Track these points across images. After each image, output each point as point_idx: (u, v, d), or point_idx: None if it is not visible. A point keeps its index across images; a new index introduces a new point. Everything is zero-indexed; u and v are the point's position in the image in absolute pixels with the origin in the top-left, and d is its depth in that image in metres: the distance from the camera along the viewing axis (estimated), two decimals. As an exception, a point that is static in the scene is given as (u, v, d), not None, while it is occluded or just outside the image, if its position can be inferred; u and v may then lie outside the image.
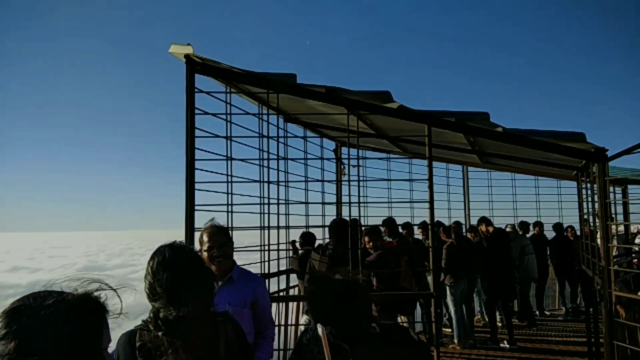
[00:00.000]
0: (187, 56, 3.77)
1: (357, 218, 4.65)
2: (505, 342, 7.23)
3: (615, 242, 6.32)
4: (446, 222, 8.70)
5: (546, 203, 10.06)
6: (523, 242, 8.70)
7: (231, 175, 4.32)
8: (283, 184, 5.03)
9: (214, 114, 4.17)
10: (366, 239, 5.37)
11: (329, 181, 6.43)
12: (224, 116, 4.29)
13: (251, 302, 3.05)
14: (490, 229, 8.01)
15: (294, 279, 6.22)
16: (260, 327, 3.14)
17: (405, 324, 5.55)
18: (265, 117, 4.68)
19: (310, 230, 6.26)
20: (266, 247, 4.66)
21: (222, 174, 4.26)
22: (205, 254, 3.00)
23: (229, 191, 4.31)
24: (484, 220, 8.30)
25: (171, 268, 1.84)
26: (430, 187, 4.29)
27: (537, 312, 9.39)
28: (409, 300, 5.45)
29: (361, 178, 4.99)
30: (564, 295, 9.73)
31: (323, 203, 6.03)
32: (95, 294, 1.20)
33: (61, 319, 1.09)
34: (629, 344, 4.03)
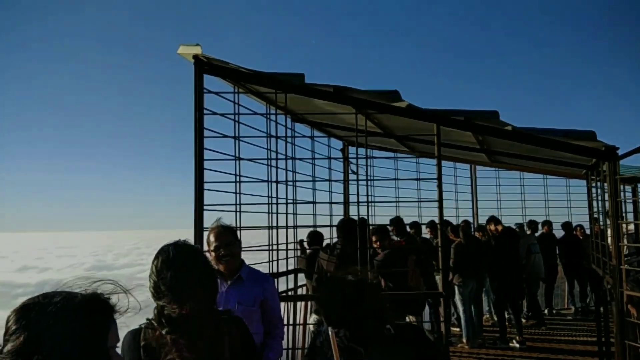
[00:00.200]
0: (195, 57, 3.77)
1: (365, 217, 4.65)
2: (514, 341, 7.20)
3: (625, 241, 6.27)
4: (454, 222, 8.67)
5: (555, 202, 10.01)
6: (529, 241, 8.66)
7: (239, 175, 4.32)
8: (291, 183, 5.03)
9: (222, 114, 4.17)
10: (373, 238, 5.36)
11: (336, 181, 6.43)
12: (231, 116, 4.30)
13: (260, 302, 3.06)
14: (500, 228, 7.98)
15: (301, 278, 6.22)
16: (270, 327, 3.14)
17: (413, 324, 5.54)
18: (272, 117, 4.69)
19: (318, 229, 6.26)
20: (274, 247, 4.66)
21: (230, 174, 4.27)
22: (212, 254, 3.02)
23: (237, 191, 4.32)
24: (493, 219, 8.27)
25: (175, 267, 1.85)
26: (440, 186, 4.27)
27: (546, 311, 9.34)
28: (418, 300, 5.43)
29: (369, 177, 4.98)
30: (573, 294, 9.67)
31: (331, 203, 6.03)
32: (104, 294, 1.21)
33: (69, 317, 1.11)
34: (640, 344, 3.99)
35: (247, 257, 3.27)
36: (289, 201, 4.97)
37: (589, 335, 7.57)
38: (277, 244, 4.67)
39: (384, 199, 7.34)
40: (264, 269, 4.04)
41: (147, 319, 1.87)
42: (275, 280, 4.50)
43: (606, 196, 4.40)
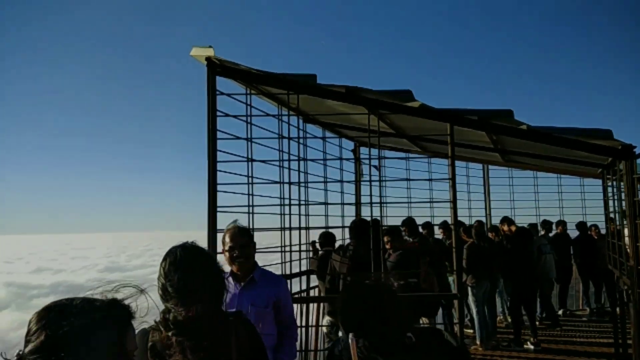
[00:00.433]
0: (208, 59, 3.78)
1: (378, 218, 4.62)
2: (528, 343, 7.12)
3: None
4: (467, 222, 8.60)
5: (569, 201, 9.89)
6: (540, 241, 8.56)
7: (251, 177, 4.33)
8: (303, 184, 5.03)
9: (235, 116, 4.18)
10: (385, 239, 5.33)
11: (348, 181, 6.42)
12: (244, 118, 4.31)
13: (273, 303, 3.05)
14: (513, 228, 7.90)
15: (314, 279, 6.21)
16: (283, 328, 3.14)
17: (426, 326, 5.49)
18: (284, 118, 4.68)
19: (330, 230, 6.25)
20: (286, 248, 4.66)
21: (243, 175, 4.28)
22: (226, 254, 3.03)
23: (250, 192, 4.32)
24: (506, 220, 8.19)
25: (182, 269, 1.85)
26: (453, 186, 4.24)
27: (561, 312, 9.23)
28: (432, 301, 5.39)
29: (381, 178, 4.96)
30: (588, 295, 9.54)
31: (342, 204, 6.02)
32: (123, 299, 1.23)
33: (87, 319, 1.12)
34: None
35: (259, 258, 3.28)
36: (301, 202, 4.97)
37: (605, 337, 7.46)
38: (290, 245, 4.66)
39: (395, 199, 7.33)
40: (275, 270, 4.04)
41: (155, 321, 1.87)
42: (290, 281, 4.50)
43: (623, 195, 4.34)
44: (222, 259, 3.18)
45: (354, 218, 6.13)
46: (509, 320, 8.33)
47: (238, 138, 4.22)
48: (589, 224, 9.57)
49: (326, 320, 5.29)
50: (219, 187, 3.94)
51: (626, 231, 5.57)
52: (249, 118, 4.31)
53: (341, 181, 6.18)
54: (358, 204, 6.97)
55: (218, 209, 3.90)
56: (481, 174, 10.13)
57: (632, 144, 3.90)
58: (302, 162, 5.00)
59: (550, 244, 8.85)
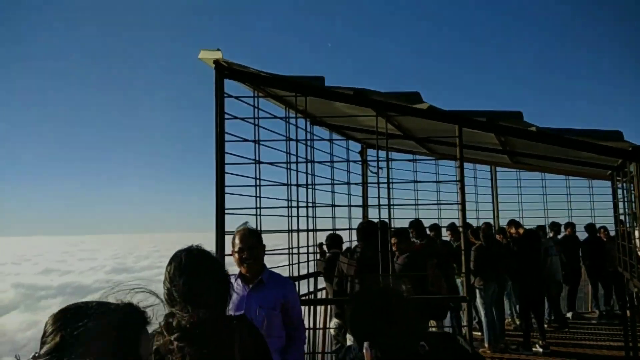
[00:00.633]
0: (216, 62, 3.79)
1: (386, 220, 4.61)
2: (537, 346, 7.07)
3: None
4: (474, 224, 8.56)
5: (578, 203, 9.82)
6: (546, 243, 8.50)
7: (259, 179, 4.33)
8: (310, 186, 5.02)
9: (242, 119, 4.19)
10: (392, 240, 5.31)
11: (355, 184, 6.41)
12: (251, 120, 4.31)
13: (281, 305, 3.05)
14: (521, 230, 7.85)
15: (321, 281, 6.20)
16: (291, 330, 3.13)
17: (434, 329, 5.46)
18: (291, 120, 4.68)
19: (337, 232, 6.24)
20: (293, 250, 4.66)
21: (250, 177, 4.29)
22: (236, 256, 3.04)
23: (257, 194, 4.33)
24: (513, 222, 8.15)
25: (187, 273, 1.85)
26: (462, 188, 4.22)
27: (570, 315, 9.17)
28: (441, 304, 5.36)
29: (387, 180, 4.94)
30: (597, 297, 9.46)
31: (349, 206, 6.00)
32: (139, 304, 1.24)
33: (102, 322, 1.12)
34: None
35: (266, 260, 3.28)
36: (308, 205, 4.96)
37: (615, 340, 7.40)
38: (298, 247, 4.66)
39: (403, 201, 7.30)
40: (283, 272, 4.05)
41: (159, 324, 1.87)
42: (298, 283, 4.50)
43: (633, 197, 4.30)
44: (231, 260, 3.19)
45: (361, 220, 6.12)
46: (517, 322, 8.29)
47: (246, 140, 4.23)
48: (597, 226, 9.51)
49: (334, 322, 5.27)
50: (226, 189, 3.95)
51: (637, 233, 5.53)
52: (256, 120, 4.32)
53: (348, 183, 6.17)
54: (365, 206, 6.96)
55: (226, 211, 3.91)
56: (489, 175, 10.09)
57: (642, 145, 3.87)
58: (309, 164, 5.00)
59: (560, 245, 8.80)
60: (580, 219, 9.65)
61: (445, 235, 8.07)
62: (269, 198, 4.47)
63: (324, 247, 6.57)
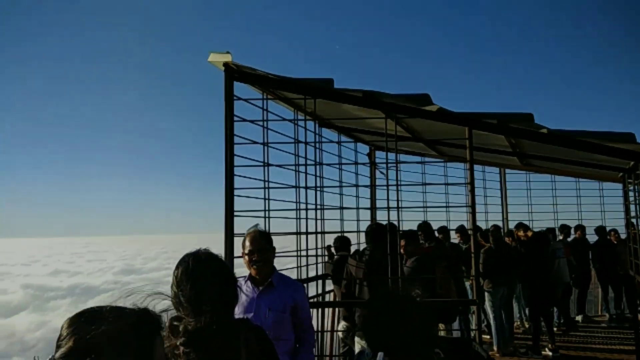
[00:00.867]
0: (226, 64, 3.79)
1: (394, 223, 4.59)
2: (547, 349, 7.01)
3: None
4: (483, 226, 8.51)
5: (588, 206, 9.74)
6: (554, 246, 8.44)
7: (268, 181, 4.33)
8: (318, 189, 5.02)
9: (252, 121, 4.19)
10: (402, 242, 5.29)
11: (364, 186, 6.39)
12: (260, 122, 4.31)
13: (291, 308, 3.05)
14: (529, 233, 7.80)
15: (328, 284, 6.19)
16: (300, 333, 3.13)
17: (442, 332, 5.43)
18: (300, 123, 4.68)
19: (345, 235, 6.23)
20: (301, 252, 4.66)
21: (259, 179, 4.29)
22: (246, 258, 3.04)
23: (266, 197, 4.33)
24: (521, 225, 8.09)
25: (194, 278, 1.85)
26: (472, 191, 4.19)
27: (580, 318, 9.09)
28: (450, 307, 5.33)
29: (396, 182, 4.93)
30: (607, 300, 9.37)
31: (358, 208, 5.99)
32: (154, 308, 1.24)
33: (116, 326, 1.13)
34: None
35: (274, 262, 3.27)
36: (315, 207, 4.96)
37: (626, 344, 7.32)
38: (307, 250, 4.66)
39: (411, 204, 7.28)
40: (291, 274, 4.04)
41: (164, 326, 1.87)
42: (307, 286, 4.49)
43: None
44: (240, 262, 3.18)
45: (369, 222, 6.11)
46: (527, 326, 8.22)
47: (255, 143, 4.23)
48: (608, 229, 9.42)
49: (342, 325, 5.25)
50: (235, 192, 3.95)
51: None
52: (265, 123, 4.32)
53: (356, 185, 6.16)
54: (373, 209, 6.94)
55: (235, 214, 3.91)
56: (498, 177, 10.01)
57: (655, 147, 3.83)
58: (317, 167, 5.00)
59: (570, 248, 8.73)
60: (590, 221, 9.58)
61: (454, 238, 8.03)
62: (277, 200, 4.48)
63: (332, 250, 6.56)
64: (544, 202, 9.57)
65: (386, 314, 1.72)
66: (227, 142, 3.85)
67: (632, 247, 6.10)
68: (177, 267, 1.91)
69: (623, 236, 9.26)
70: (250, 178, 4.19)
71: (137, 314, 1.19)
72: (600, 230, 9.32)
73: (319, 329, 5.36)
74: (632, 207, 6.05)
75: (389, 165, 4.92)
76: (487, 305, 7.18)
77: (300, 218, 4.62)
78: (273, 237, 3.25)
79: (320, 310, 5.51)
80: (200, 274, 1.87)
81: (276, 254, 3.22)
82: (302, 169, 4.58)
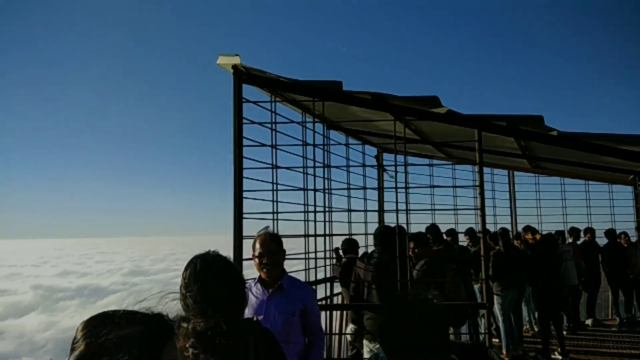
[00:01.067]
0: (234, 67, 3.80)
1: (403, 225, 4.58)
2: (556, 353, 6.95)
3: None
4: (492, 229, 8.46)
5: (597, 208, 9.67)
6: (562, 248, 8.37)
7: (276, 183, 4.34)
8: (326, 191, 5.02)
9: (260, 123, 4.20)
10: (411, 245, 5.26)
11: (371, 188, 6.39)
12: (269, 125, 4.32)
13: (301, 310, 3.04)
14: (537, 236, 7.74)
15: (336, 286, 6.18)
16: (310, 336, 3.12)
17: (451, 337, 5.39)
18: (308, 125, 4.69)
19: (353, 237, 6.22)
20: (309, 255, 4.66)
21: (267, 182, 4.29)
22: (256, 260, 3.04)
23: (274, 199, 4.33)
24: (529, 228, 8.03)
25: (202, 280, 1.85)
26: (482, 193, 4.17)
27: (589, 322, 9.00)
28: (460, 311, 5.29)
29: (407, 185, 4.92)
30: (618, 304, 9.28)
31: (365, 210, 5.98)
32: (168, 314, 1.25)
33: (125, 331, 1.14)
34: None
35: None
36: (324, 209, 4.96)
37: (636, 348, 7.24)
38: (315, 252, 4.66)
39: (419, 206, 7.26)
40: (298, 276, 4.04)
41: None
42: (315, 288, 4.48)
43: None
44: (249, 264, 3.19)
45: (377, 225, 6.10)
46: (536, 329, 8.15)
47: (264, 145, 4.24)
48: (618, 232, 9.35)
49: (350, 328, 5.24)
50: (244, 194, 3.96)
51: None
52: (273, 125, 4.33)
53: (364, 188, 6.15)
54: (381, 211, 6.93)
55: (244, 216, 3.91)
56: (506, 180, 9.96)
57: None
58: (325, 169, 5.00)
59: (580, 251, 8.65)
60: (600, 224, 9.51)
61: (463, 241, 7.99)
62: (285, 202, 4.48)
63: (340, 252, 6.55)
64: (553, 205, 9.51)
65: (403, 319, 1.69)
66: (235, 144, 3.86)
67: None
68: (185, 269, 1.92)
69: (633, 239, 9.19)
70: (258, 180, 4.20)
71: (147, 320, 1.19)
72: (610, 233, 9.24)
73: (327, 331, 5.35)
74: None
75: (398, 167, 4.91)
76: (496, 308, 7.13)
77: (308, 220, 4.63)
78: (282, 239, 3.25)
79: (328, 313, 5.50)
80: (208, 276, 1.87)
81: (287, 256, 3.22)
82: (310, 171, 4.59)
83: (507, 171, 9.68)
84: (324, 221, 4.83)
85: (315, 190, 4.57)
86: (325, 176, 4.99)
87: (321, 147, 4.82)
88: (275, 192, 4.33)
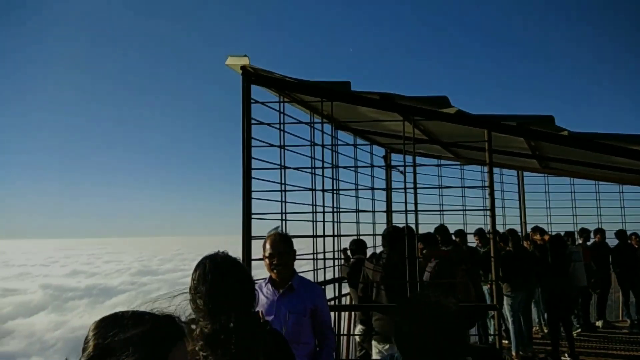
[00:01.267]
0: (243, 67, 3.81)
1: (412, 226, 4.56)
2: (566, 355, 6.89)
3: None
4: (500, 230, 8.41)
5: (608, 209, 9.58)
6: (571, 249, 8.30)
7: (285, 184, 4.34)
8: (335, 191, 5.01)
9: (269, 124, 4.20)
10: (420, 246, 5.24)
11: (380, 189, 6.37)
12: (277, 125, 4.32)
13: (311, 311, 3.05)
14: (546, 237, 7.69)
15: (344, 287, 6.17)
16: (320, 336, 3.12)
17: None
18: (316, 126, 4.68)
19: (361, 238, 6.21)
20: (318, 255, 4.65)
21: (276, 182, 4.30)
22: (266, 261, 3.04)
23: (283, 199, 4.33)
24: (537, 229, 7.98)
25: (211, 281, 1.85)
26: (492, 194, 4.15)
27: (600, 324, 8.93)
28: (470, 312, 5.26)
29: (412, 185, 4.90)
30: (628, 306, 9.19)
31: (374, 211, 5.97)
32: (178, 317, 1.25)
33: (132, 332, 1.14)
34: None
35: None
36: (332, 209, 4.95)
37: (648, 350, 7.18)
38: (324, 252, 4.65)
39: (427, 207, 7.23)
40: (306, 277, 4.04)
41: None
42: (324, 288, 4.48)
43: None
44: (258, 265, 3.19)
45: (385, 225, 6.08)
46: (545, 330, 8.10)
47: (272, 145, 4.24)
48: (629, 232, 9.27)
49: (358, 329, 5.23)
50: (252, 194, 3.96)
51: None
52: (282, 126, 4.33)
53: (372, 188, 6.14)
54: (389, 212, 6.91)
55: (252, 216, 3.92)
56: (516, 180, 9.90)
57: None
58: (333, 169, 4.99)
59: (590, 252, 8.58)
60: (610, 225, 9.43)
61: (472, 241, 7.95)
62: (293, 203, 4.48)
63: (348, 253, 6.54)
64: (562, 206, 9.45)
65: (421, 321, 1.68)
66: (244, 144, 3.87)
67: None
68: (194, 270, 1.92)
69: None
70: (267, 181, 4.20)
71: (155, 320, 1.19)
72: (620, 233, 9.17)
73: (335, 332, 5.34)
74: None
75: (407, 167, 4.90)
76: (506, 309, 7.09)
77: (316, 221, 4.62)
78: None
79: (336, 313, 5.50)
80: (216, 278, 1.87)
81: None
82: (318, 171, 4.58)
83: (516, 171, 9.62)
84: (332, 222, 4.82)
85: (323, 190, 4.57)
86: (334, 177, 4.98)
87: (329, 147, 4.81)
88: (283, 192, 4.33)
